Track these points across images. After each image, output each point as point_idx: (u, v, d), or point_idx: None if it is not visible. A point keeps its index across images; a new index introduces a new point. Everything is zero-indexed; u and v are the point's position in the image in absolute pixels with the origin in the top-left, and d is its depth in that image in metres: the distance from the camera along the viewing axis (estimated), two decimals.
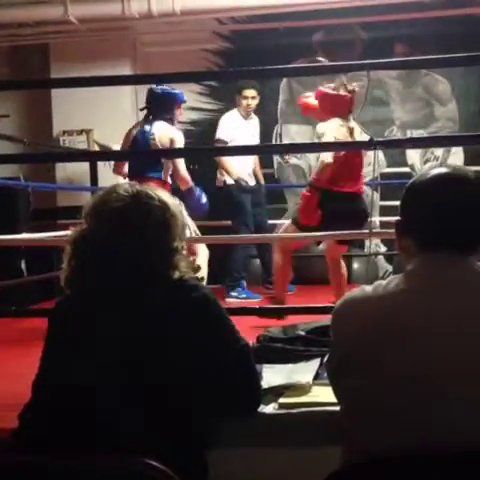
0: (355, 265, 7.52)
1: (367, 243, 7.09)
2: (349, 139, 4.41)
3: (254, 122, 6.66)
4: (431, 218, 1.55)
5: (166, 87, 5.14)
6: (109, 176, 5.56)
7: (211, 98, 8.41)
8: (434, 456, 1.31)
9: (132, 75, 7.24)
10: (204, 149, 4.83)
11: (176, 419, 1.68)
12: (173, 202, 1.87)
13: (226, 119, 6.56)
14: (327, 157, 4.33)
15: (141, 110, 5.42)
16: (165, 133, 5.03)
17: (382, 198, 7.47)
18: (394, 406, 1.41)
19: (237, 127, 6.43)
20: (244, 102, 6.44)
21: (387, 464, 1.32)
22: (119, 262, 1.76)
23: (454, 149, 7.75)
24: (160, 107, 5.14)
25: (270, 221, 6.96)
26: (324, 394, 1.79)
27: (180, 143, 5.04)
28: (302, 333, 2.42)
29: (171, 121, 5.18)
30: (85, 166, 7.28)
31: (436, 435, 1.36)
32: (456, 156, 7.83)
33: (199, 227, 5.19)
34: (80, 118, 7.72)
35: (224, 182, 6.49)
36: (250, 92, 6.40)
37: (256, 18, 7.84)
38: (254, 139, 6.53)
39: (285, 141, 8.22)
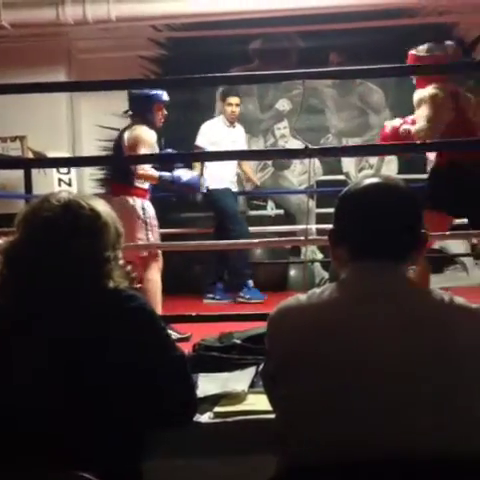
0: (291, 272, 7.58)
1: (303, 250, 7.17)
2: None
3: (238, 129, 6.64)
4: (363, 227, 1.57)
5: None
6: (44, 183, 5.49)
7: None
8: (369, 462, 1.32)
9: (65, 82, 7.15)
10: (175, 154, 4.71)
11: (111, 429, 1.65)
12: (105, 210, 1.84)
13: (206, 126, 6.55)
14: None
15: (124, 113, 5.31)
16: (133, 138, 4.89)
17: (318, 205, 7.54)
18: (328, 414, 1.42)
19: (218, 134, 6.40)
20: (229, 109, 6.46)
21: (321, 471, 1.33)
22: (49, 273, 1.73)
23: (388, 158, 7.89)
24: (137, 110, 4.99)
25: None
26: (259, 402, 1.79)
27: (147, 146, 4.88)
28: (238, 341, 2.41)
29: (153, 125, 5.02)
30: (19, 173, 7.17)
31: (370, 441, 1.37)
32: (390, 165, 7.97)
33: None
34: (14, 124, 7.58)
35: (207, 188, 6.43)
36: (234, 100, 6.41)
37: (192, 26, 7.85)
38: (236, 146, 6.50)
39: None
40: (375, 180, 1.65)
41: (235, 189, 6.67)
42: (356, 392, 1.41)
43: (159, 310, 4.18)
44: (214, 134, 6.54)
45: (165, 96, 5.06)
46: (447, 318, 1.49)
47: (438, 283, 7.91)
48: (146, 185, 4.97)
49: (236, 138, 6.68)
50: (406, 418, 1.39)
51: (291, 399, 1.48)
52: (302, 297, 1.57)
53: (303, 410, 1.46)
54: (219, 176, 6.47)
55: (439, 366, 1.43)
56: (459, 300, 1.54)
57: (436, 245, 8.12)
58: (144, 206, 4.89)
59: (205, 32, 7.88)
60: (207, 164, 6.47)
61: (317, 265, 7.84)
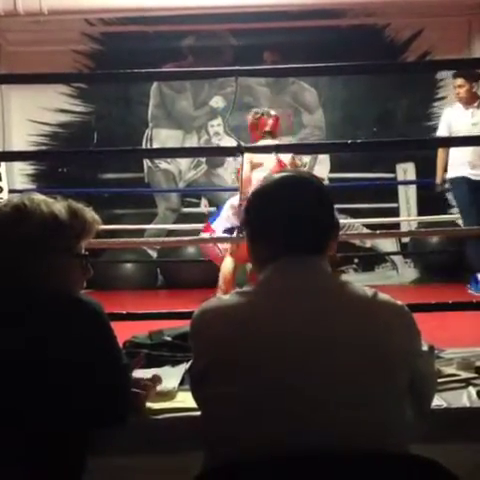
0: None
1: None
2: None
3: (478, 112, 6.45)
4: (277, 223, 1.56)
5: None
6: None
7: (81, 100, 8.27)
8: (292, 459, 1.33)
9: None
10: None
11: (49, 427, 1.64)
12: (59, 210, 1.78)
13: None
14: None
15: None
16: None
17: None
18: (251, 411, 1.42)
19: (457, 117, 6.34)
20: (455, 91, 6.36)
21: (245, 468, 1.33)
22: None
23: (321, 157, 7.97)
24: None
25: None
26: (189, 399, 1.78)
27: None
28: (168, 338, 2.40)
29: None
30: None
31: (292, 437, 1.38)
32: (323, 164, 8.05)
33: None
34: None
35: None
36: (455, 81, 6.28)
37: (126, 20, 7.79)
38: (476, 128, 6.32)
39: (155, 145, 8.20)
40: (283, 175, 1.65)
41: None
42: (278, 389, 1.41)
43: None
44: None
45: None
46: (369, 314, 1.50)
47: (369, 281, 8.05)
48: None
49: (476, 120, 6.40)
50: (327, 414, 1.40)
51: (216, 399, 1.48)
52: (225, 297, 1.57)
53: (228, 409, 1.46)
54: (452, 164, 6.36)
55: (360, 361, 1.44)
56: (382, 296, 1.54)
57: (368, 244, 8.26)
58: None
59: (139, 27, 7.83)
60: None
61: None
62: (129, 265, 7.78)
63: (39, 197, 1.80)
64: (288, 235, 1.56)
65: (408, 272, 8.40)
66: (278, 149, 3.75)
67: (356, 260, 8.28)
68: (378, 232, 3.94)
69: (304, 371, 1.42)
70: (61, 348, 1.65)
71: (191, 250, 7.66)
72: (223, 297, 1.57)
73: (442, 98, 8.30)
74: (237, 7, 7.28)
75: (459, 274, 7.44)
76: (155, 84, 8.16)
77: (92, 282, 1.93)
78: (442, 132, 6.43)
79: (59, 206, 1.78)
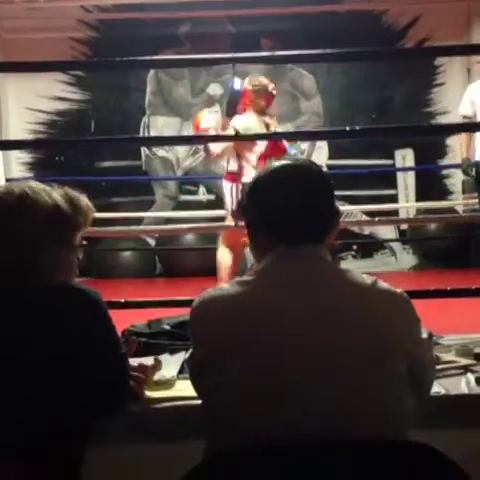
0: None
1: None
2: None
3: None
4: (277, 212, 1.55)
5: None
6: None
7: (78, 88, 8.25)
8: (295, 448, 1.33)
9: None
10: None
11: (47, 418, 1.64)
12: (37, 196, 1.77)
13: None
14: None
15: None
16: None
17: None
18: (251, 400, 1.42)
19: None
20: None
21: (245, 457, 1.33)
22: None
23: (319, 143, 7.95)
24: None
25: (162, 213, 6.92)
26: (189, 388, 1.78)
27: None
28: (167, 327, 2.41)
29: None
30: None
31: (292, 426, 1.38)
32: (321, 150, 8.04)
33: None
34: None
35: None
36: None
37: (122, 7, 7.75)
38: None
39: (152, 133, 8.19)
40: (283, 164, 1.64)
41: None
42: (276, 379, 1.42)
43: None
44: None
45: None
46: (369, 303, 1.49)
47: (367, 268, 8.06)
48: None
49: None
50: (326, 402, 1.40)
51: (216, 388, 1.48)
52: (224, 286, 1.56)
53: (228, 398, 1.46)
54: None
55: (359, 350, 1.43)
56: (382, 284, 1.53)
57: (366, 231, 8.26)
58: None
59: (135, 14, 7.80)
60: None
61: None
62: (127, 253, 7.78)
63: (39, 186, 1.79)
64: (287, 224, 1.55)
65: (407, 258, 8.41)
66: (274, 136, 3.73)
67: (355, 247, 8.29)
68: (377, 219, 3.94)
69: (303, 361, 1.42)
70: (60, 337, 1.66)
71: (190, 238, 7.66)
72: (223, 286, 1.57)
73: (441, 84, 8.29)
74: None
75: (458, 260, 7.46)
76: (152, 72, 8.13)
77: (90, 270, 1.94)
78: (465, 109, 6.07)
79: (59, 197, 1.78)
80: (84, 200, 1.83)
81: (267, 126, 4.61)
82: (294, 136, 4.22)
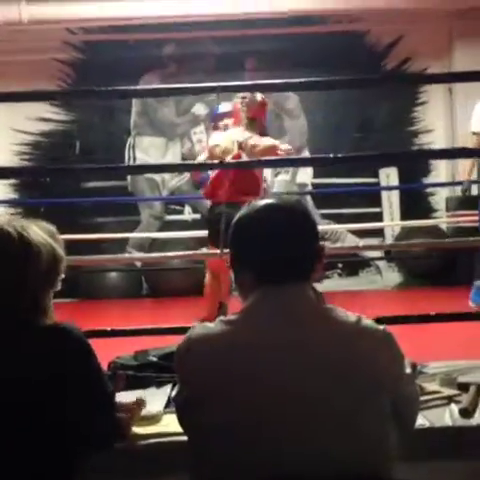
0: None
1: None
2: None
3: None
4: (261, 252, 1.57)
5: None
6: None
7: (62, 108, 8.25)
8: None
9: None
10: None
11: (35, 459, 1.65)
12: (38, 240, 1.76)
13: None
14: None
15: None
16: None
17: None
18: (237, 441, 1.44)
19: None
20: None
21: None
22: None
23: None
24: None
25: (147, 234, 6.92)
26: (174, 423, 1.79)
27: None
28: (154, 359, 2.41)
29: None
30: None
31: (275, 468, 1.40)
32: (306, 169, 8.07)
33: None
34: None
35: None
36: None
37: (107, 29, 7.78)
38: None
39: (138, 153, 8.21)
40: (266, 202, 1.65)
41: None
42: (260, 419, 1.43)
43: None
44: None
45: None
46: (352, 341, 1.51)
47: (353, 286, 8.09)
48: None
49: None
50: (311, 441, 1.42)
51: (201, 427, 1.49)
52: (210, 326, 1.57)
53: (212, 439, 1.47)
54: None
55: (341, 390, 1.45)
56: (365, 322, 1.55)
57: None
58: None
59: (120, 35, 7.83)
60: None
61: None
62: (113, 274, 7.77)
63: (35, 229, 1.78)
64: (272, 264, 1.56)
65: (392, 276, 8.44)
66: (259, 164, 3.73)
67: (340, 265, 8.30)
68: (361, 245, 3.95)
69: (287, 401, 1.44)
70: (47, 380, 1.66)
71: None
72: (208, 326, 1.58)
73: (423, 103, 8.36)
74: (218, 15, 7.30)
75: (444, 277, 7.49)
76: None
77: (77, 291, 1.95)
78: (477, 126, 5.96)
79: (49, 239, 1.79)
80: (59, 237, 1.86)
81: (240, 144, 4.53)
82: (277, 163, 4.24)
